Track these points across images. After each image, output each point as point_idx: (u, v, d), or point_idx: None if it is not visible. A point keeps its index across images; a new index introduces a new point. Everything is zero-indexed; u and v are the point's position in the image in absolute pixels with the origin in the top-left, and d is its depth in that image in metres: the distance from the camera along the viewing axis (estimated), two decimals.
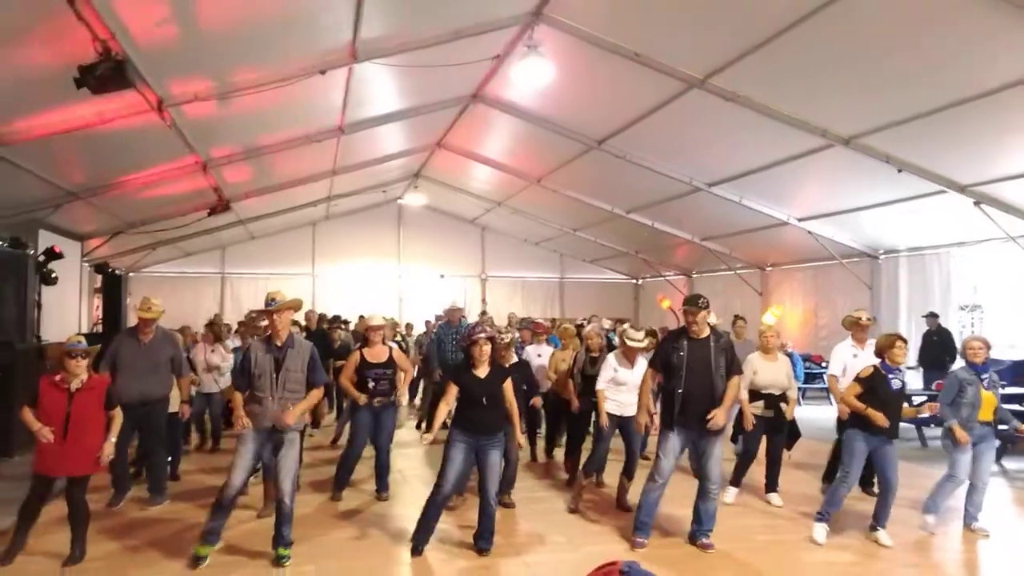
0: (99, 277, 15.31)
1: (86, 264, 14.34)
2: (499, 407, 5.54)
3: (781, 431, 7.16)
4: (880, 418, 5.69)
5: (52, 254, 11.09)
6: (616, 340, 8.84)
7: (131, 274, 17.90)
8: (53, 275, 11.11)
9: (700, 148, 10.94)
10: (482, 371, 5.54)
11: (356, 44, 7.91)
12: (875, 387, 5.86)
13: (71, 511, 5.24)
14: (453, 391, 5.57)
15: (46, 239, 11.31)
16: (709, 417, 5.47)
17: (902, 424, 10.26)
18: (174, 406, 7.14)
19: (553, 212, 17.32)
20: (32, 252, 10.62)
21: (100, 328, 14.24)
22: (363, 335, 7.31)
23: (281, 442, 5.29)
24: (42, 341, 10.24)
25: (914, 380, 11.82)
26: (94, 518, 5.56)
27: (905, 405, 6.36)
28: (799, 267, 15.26)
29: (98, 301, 15.74)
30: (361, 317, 14.27)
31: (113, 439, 5.19)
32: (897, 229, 12.02)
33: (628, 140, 11.01)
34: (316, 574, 5.18)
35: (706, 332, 5.62)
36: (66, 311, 12.25)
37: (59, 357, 5.20)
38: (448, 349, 9.33)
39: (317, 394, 5.54)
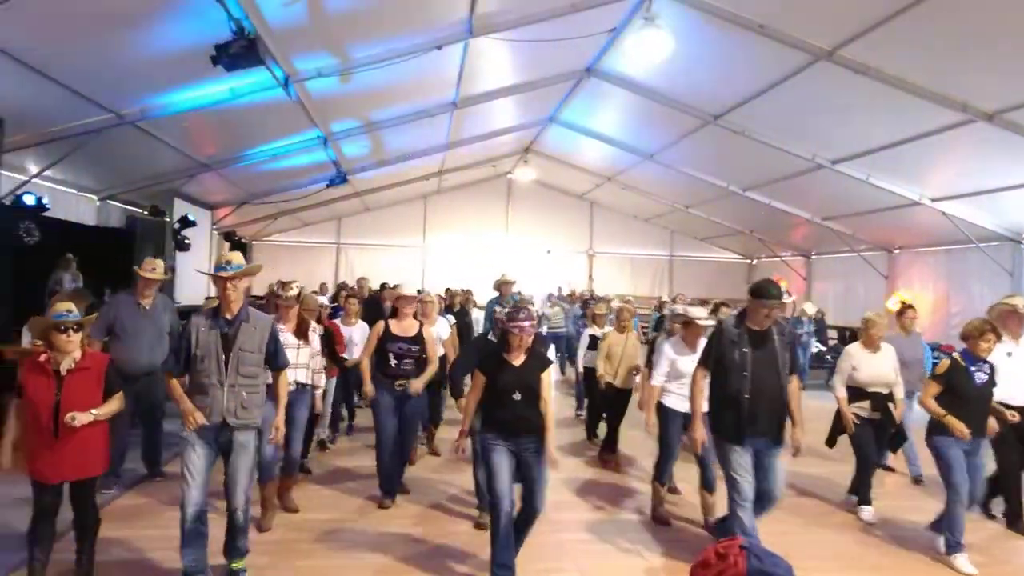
0: (226, 245, 16.24)
1: (215, 232, 15.22)
2: (536, 402, 4.52)
3: (888, 435, 6.17)
4: (959, 428, 4.97)
5: (186, 222, 11.87)
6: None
7: (255, 242, 18.90)
8: (187, 241, 11.87)
9: (825, 123, 10.40)
10: (517, 358, 4.53)
11: (472, 19, 7.94)
12: (954, 383, 5.14)
13: (76, 517, 4.27)
14: (481, 382, 4.56)
15: (180, 208, 12.10)
16: (795, 448, 4.77)
17: None
18: None
19: (665, 188, 16.97)
20: (168, 220, 11.38)
21: None
22: (393, 306, 6.38)
23: (231, 443, 4.25)
24: (176, 304, 10.97)
25: None
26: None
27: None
28: (930, 250, 14.30)
29: None
30: (464, 289, 14.48)
31: (95, 413, 4.06)
32: None
33: (747, 115, 10.60)
34: None
35: (769, 322, 4.70)
36: (197, 276, 13.05)
37: (44, 332, 4.10)
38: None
39: (283, 382, 4.58)
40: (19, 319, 7.25)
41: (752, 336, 4.64)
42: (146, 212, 11.18)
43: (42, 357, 4.07)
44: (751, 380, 4.55)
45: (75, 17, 5.99)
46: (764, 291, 4.63)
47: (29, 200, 8.25)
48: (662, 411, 5.85)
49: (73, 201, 10.38)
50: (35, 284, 8.84)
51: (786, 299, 7.11)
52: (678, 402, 5.68)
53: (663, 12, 8.00)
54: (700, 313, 5.79)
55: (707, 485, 5.65)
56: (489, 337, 5.83)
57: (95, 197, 10.93)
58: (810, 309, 14.39)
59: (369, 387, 6.03)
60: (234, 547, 4.41)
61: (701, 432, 4.80)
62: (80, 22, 6.09)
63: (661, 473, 5.92)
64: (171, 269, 10.98)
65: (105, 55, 6.76)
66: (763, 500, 4.67)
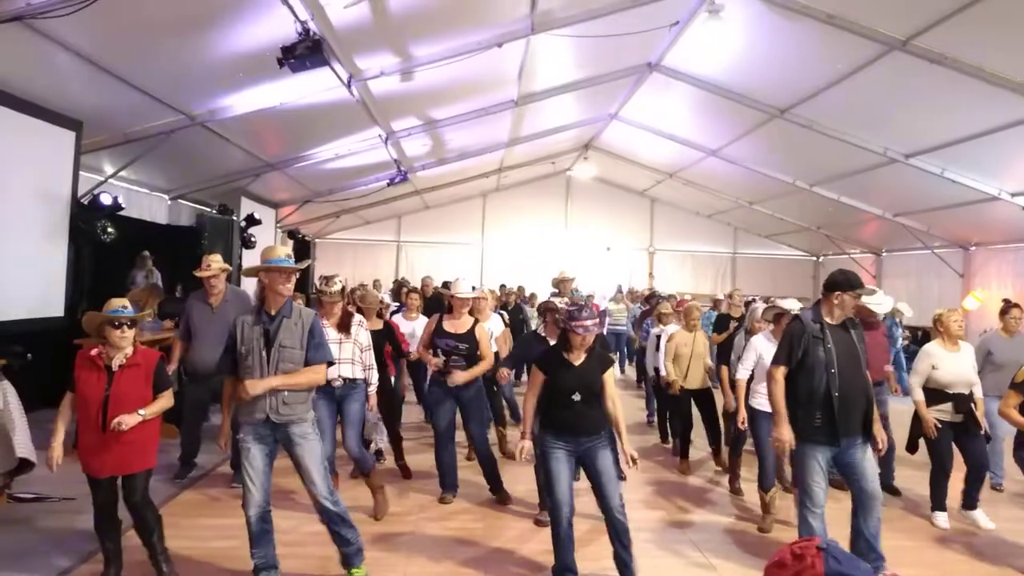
0: (290, 242, 16.60)
1: (279, 230, 15.56)
2: (598, 403, 4.38)
3: (977, 437, 5.76)
4: None
5: (252, 220, 12.17)
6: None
7: (317, 240, 19.26)
8: (252, 239, 12.17)
9: (898, 116, 10.01)
10: (577, 358, 4.39)
11: (534, 15, 7.91)
12: None
13: (134, 521, 4.20)
14: (539, 381, 4.44)
15: (247, 206, 12.41)
16: (880, 448, 4.57)
17: None
18: None
19: (728, 184, 16.62)
20: (235, 218, 11.68)
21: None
22: (449, 303, 6.19)
23: (290, 441, 4.12)
24: None
25: None
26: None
27: None
28: (1010, 247, 13.65)
29: None
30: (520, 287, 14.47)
31: (143, 413, 4.00)
32: None
33: (815, 108, 10.29)
34: None
35: (847, 315, 4.52)
36: None
37: (99, 327, 4.07)
38: None
39: (316, 372, 4.19)
40: None
41: (831, 330, 4.43)
42: (214, 211, 11.50)
43: (94, 351, 4.04)
44: (839, 377, 4.32)
45: (149, 23, 6.19)
46: (854, 282, 4.41)
47: (106, 199, 8.55)
48: (751, 413, 5.78)
49: (146, 200, 10.75)
50: (116, 280, 9.18)
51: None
52: (766, 403, 5.21)
53: (728, 4, 7.83)
54: (795, 306, 5.54)
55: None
56: (538, 331, 5.84)
57: (166, 196, 11.29)
58: (906, 310, 13.86)
59: (430, 358, 5.96)
60: (345, 541, 4.24)
61: (789, 433, 4.41)
62: (153, 27, 6.29)
63: (765, 478, 5.71)
64: (238, 267, 11.28)
65: (177, 59, 6.97)
66: (868, 503, 4.42)
